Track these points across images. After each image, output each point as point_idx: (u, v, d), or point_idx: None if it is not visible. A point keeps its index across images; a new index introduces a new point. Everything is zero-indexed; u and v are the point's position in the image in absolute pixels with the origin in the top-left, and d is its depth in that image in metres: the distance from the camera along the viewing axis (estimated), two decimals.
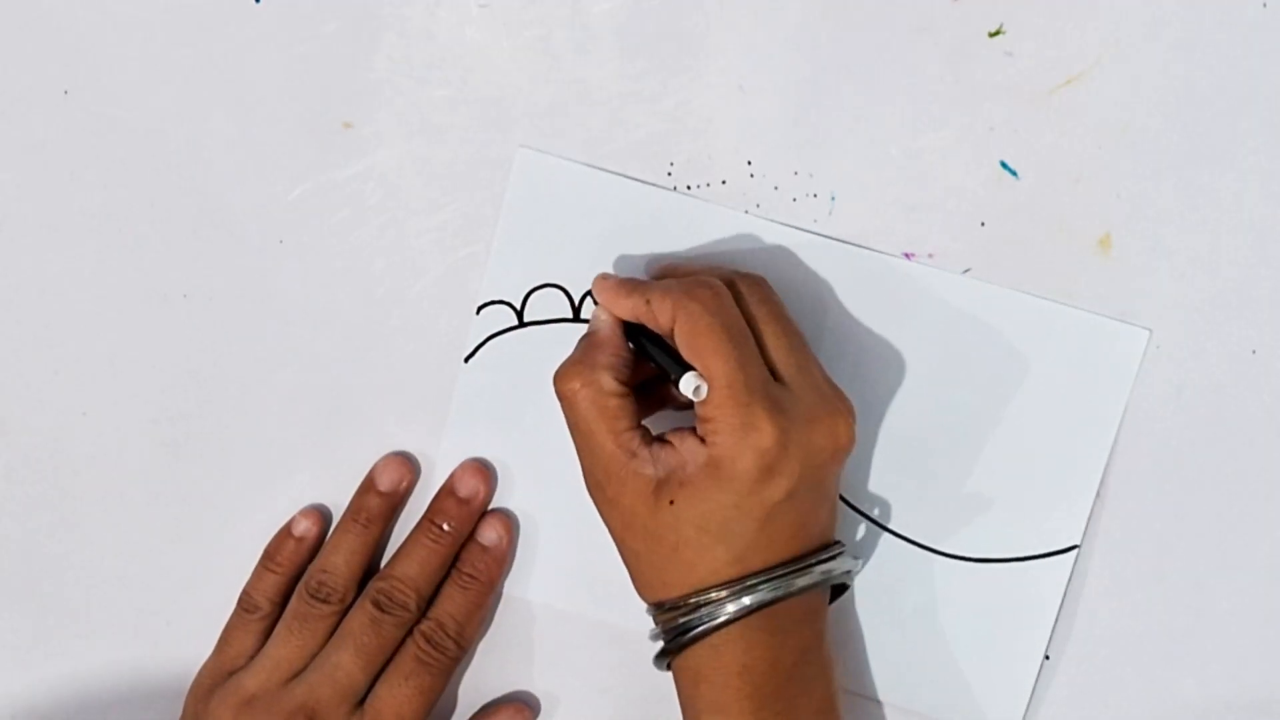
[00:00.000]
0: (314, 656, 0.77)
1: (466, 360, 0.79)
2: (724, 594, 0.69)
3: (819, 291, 0.77)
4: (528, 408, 0.79)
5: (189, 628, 0.80)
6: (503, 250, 0.78)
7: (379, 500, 0.79)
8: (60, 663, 0.81)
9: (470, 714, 0.80)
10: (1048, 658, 0.78)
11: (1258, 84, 0.76)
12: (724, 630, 0.70)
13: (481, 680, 0.80)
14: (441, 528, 0.78)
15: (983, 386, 0.77)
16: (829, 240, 0.78)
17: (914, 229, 0.77)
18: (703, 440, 0.70)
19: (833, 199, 0.78)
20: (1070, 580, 0.78)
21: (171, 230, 0.79)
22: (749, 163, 0.78)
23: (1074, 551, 0.78)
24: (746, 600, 0.69)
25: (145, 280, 0.80)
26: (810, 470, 0.70)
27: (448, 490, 0.79)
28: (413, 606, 0.77)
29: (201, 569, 0.81)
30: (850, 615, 0.79)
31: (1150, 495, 0.78)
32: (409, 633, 0.77)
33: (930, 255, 0.77)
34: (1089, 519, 0.78)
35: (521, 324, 0.79)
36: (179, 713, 0.79)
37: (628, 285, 0.73)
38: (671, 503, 0.70)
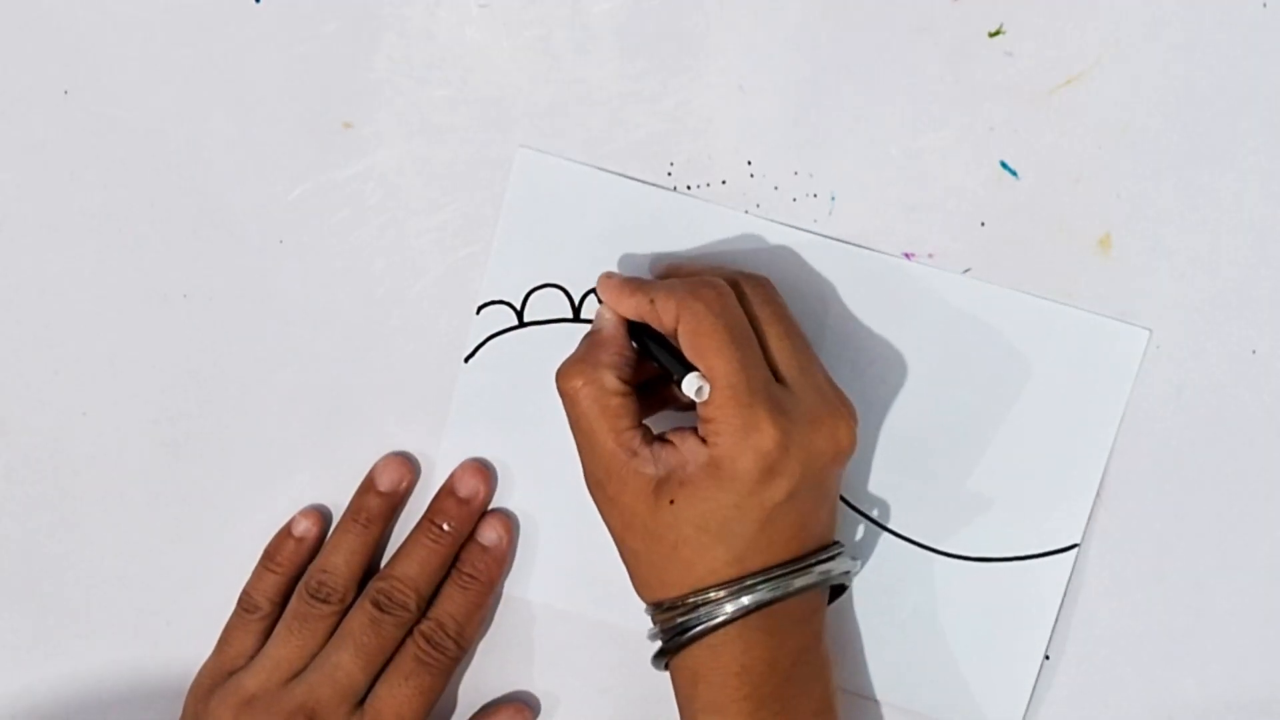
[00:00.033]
0: (314, 656, 0.77)
1: (466, 360, 0.79)
2: (722, 594, 0.69)
3: (819, 291, 0.77)
4: (528, 408, 0.79)
5: (189, 628, 0.80)
6: (503, 250, 0.78)
7: (379, 500, 0.79)
8: (60, 663, 0.81)
9: (470, 714, 0.80)
10: (1048, 658, 0.78)
11: (1258, 84, 0.76)
12: (722, 630, 0.70)
13: (481, 680, 0.80)
14: (441, 528, 0.78)
15: (983, 386, 0.77)
16: (829, 240, 0.78)
17: (914, 229, 0.77)
18: (704, 440, 0.70)
19: (833, 199, 0.78)
20: (1070, 580, 0.78)
21: (171, 230, 0.79)
22: (749, 163, 0.78)
23: (1074, 550, 0.78)
24: (745, 600, 0.69)
25: (145, 280, 0.80)
26: (811, 472, 0.70)
27: (448, 490, 0.79)
28: (413, 606, 0.77)
29: (201, 569, 0.81)
30: (850, 615, 0.79)
31: (1150, 495, 0.78)
32: (409, 633, 0.77)
33: (930, 255, 0.77)
34: (1089, 518, 0.78)
35: (521, 324, 0.79)
36: (179, 713, 0.79)
37: (632, 284, 0.73)
38: (672, 502, 0.70)
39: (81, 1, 0.79)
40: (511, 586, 0.80)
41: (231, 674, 0.78)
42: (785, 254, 0.77)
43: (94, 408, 0.80)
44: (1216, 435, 0.78)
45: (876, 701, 0.79)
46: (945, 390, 0.78)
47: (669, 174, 0.78)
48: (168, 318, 0.80)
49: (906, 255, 0.78)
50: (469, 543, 0.79)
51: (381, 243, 0.79)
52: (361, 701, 0.76)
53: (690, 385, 0.69)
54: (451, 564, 0.78)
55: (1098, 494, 0.78)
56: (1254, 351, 0.77)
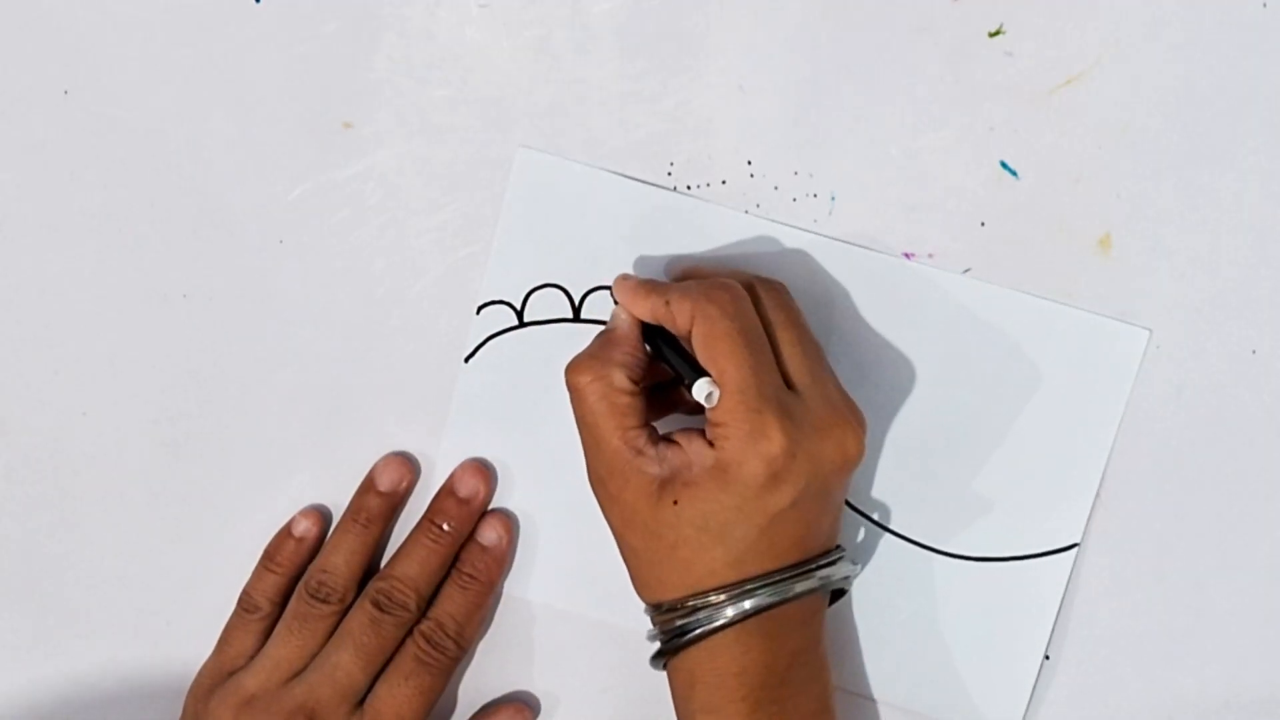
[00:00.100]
0: (314, 656, 0.77)
1: (466, 360, 0.79)
2: (722, 598, 0.69)
3: (819, 292, 0.77)
4: (528, 408, 0.79)
5: (189, 628, 0.80)
6: (503, 250, 0.78)
7: (379, 500, 0.79)
8: (60, 663, 0.81)
9: (470, 714, 0.80)
10: (1048, 658, 0.78)
11: (1258, 84, 0.76)
12: (721, 633, 0.70)
13: (481, 680, 0.80)
14: (441, 528, 0.78)
15: (983, 386, 0.77)
16: (829, 240, 0.78)
17: (914, 229, 0.77)
18: (711, 443, 0.70)
19: (833, 199, 0.78)
20: (1070, 580, 0.78)
21: (171, 230, 0.79)
22: (749, 163, 0.78)
23: (1074, 550, 0.78)
24: (745, 605, 0.69)
25: (145, 280, 0.80)
26: (817, 480, 0.70)
27: (448, 490, 0.79)
28: (413, 606, 0.77)
29: (201, 569, 0.81)
30: (849, 615, 0.79)
31: (1150, 495, 0.78)
32: (409, 633, 0.77)
33: (930, 255, 0.77)
34: (1089, 518, 0.78)
35: (521, 324, 0.79)
36: (179, 713, 0.79)
37: (647, 286, 0.73)
38: (675, 503, 0.70)
39: (81, 1, 0.79)
40: (511, 586, 0.80)
41: (231, 674, 0.78)
42: (785, 254, 0.77)
43: (94, 408, 0.80)
44: (1216, 435, 0.78)
45: (876, 701, 0.79)
46: (945, 390, 0.78)
47: (669, 174, 0.78)
48: (168, 318, 0.80)
49: (906, 255, 0.78)
50: (469, 543, 0.79)
51: (381, 243, 0.79)
52: (361, 701, 0.76)
53: (701, 390, 0.69)
54: (451, 564, 0.78)
55: (1098, 494, 0.78)
56: (1254, 351, 0.77)
